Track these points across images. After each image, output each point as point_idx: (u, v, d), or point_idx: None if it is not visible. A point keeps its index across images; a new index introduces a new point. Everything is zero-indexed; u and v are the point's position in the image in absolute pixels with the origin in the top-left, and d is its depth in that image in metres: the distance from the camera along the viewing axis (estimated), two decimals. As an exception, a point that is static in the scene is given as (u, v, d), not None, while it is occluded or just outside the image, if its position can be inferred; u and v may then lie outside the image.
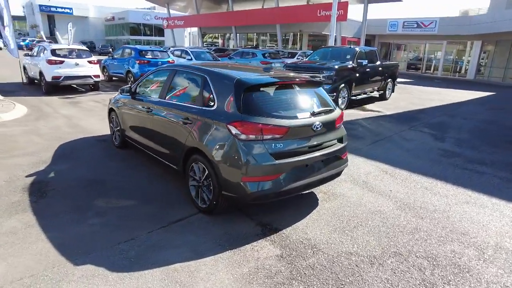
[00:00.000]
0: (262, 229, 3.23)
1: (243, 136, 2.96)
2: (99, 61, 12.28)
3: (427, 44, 29.46)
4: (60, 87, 11.07)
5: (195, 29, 43.80)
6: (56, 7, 52.87)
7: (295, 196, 3.91)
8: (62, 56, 10.74)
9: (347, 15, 20.16)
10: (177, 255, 2.78)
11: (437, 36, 26.46)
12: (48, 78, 10.36)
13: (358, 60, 10.03)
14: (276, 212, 3.58)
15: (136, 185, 4.16)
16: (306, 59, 11.93)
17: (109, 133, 5.85)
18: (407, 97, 13.22)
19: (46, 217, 3.30)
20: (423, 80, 22.32)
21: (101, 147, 5.60)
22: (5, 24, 12.44)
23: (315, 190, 4.15)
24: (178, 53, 16.62)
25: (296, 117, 3.18)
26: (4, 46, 15.57)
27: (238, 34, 34.35)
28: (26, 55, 12.43)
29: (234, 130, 2.99)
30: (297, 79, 3.59)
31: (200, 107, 3.45)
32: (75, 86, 11.92)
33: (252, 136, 2.97)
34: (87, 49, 11.83)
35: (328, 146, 3.53)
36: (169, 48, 17.88)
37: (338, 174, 3.76)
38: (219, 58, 16.75)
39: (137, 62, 12.31)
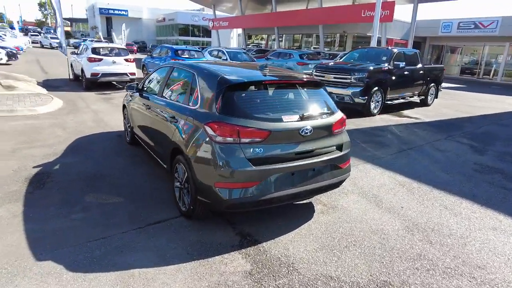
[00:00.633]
0: (240, 240, 2.99)
1: (218, 138, 2.75)
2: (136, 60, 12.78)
3: (486, 46, 26.82)
4: (99, 84, 11.67)
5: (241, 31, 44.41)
6: (114, 10, 56.69)
7: (289, 205, 3.62)
8: (101, 54, 11.33)
9: (393, 16, 19.01)
10: (140, 260, 2.64)
11: (499, 37, 23.94)
12: (88, 74, 10.97)
13: (395, 62, 9.29)
14: (263, 221, 3.31)
15: (132, 182, 4.12)
16: (340, 60, 11.36)
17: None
18: (453, 104, 12.05)
19: (34, 209, 3.36)
20: (479, 86, 20.31)
21: (114, 143, 5.71)
22: (57, 25, 13.48)
23: (314, 201, 3.81)
24: (215, 53, 16.85)
25: (281, 120, 2.89)
26: (58, 46, 16.87)
27: (284, 35, 34.10)
28: (72, 53, 13.31)
29: (210, 131, 2.78)
30: (291, 79, 3.29)
31: (186, 105, 3.30)
32: (114, 83, 12.51)
33: (229, 139, 2.74)
34: (125, 48, 12.37)
35: (322, 154, 3.17)
36: (205, 48, 18.20)
37: (335, 185, 3.38)
38: (255, 59, 16.63)
39: (172, 61, 12.61)
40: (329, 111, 3.30)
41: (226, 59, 15.37)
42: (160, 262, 2.63)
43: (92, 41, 29.13)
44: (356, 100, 8.70)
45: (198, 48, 16.79)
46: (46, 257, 2.61)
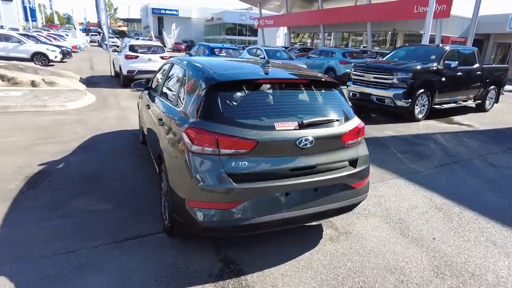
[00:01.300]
0: (221, 269, 2.52)
1: (194, 148, 2.29)
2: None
3: None
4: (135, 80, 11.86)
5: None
6: (165, 10, 59.02)
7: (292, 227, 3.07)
8: (138, 52, 11.50)
9: (450, 11, 17.18)
10: (100, 284, 2.29)
11: None
12: (124, 71, 11.19)
13: (446, 62, 8.16)
14: (256, 246, 2.81)
15: (128, 187, 3.84)
16: (383, 59, 10.36)
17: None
18: (518, 110, 10.44)
19: (17, 211, 3.18)
20: (552, 90, 17.67)
21: (127, 142, 5.54)
22: (102, 24, 14.03)
23: (324, 224, 3.21)
24: (254, 51, 16.51)
25: (272, 128, 2.36)
26: (100, 42, 17.70)
27: (332, 34, 32.78)
28: (114, 50, 13.75)
29: (186, 139, 2.34)
30: (293, 78, 2.74)
31: (173, 107, 2.90)
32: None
33: (207, 149, 2.28)
34: (161, 45, 12.47)
35: (328, 170, 2.58)
36: (243, 47, 17.94)
37: (345, 209, 2.77)
38: (294, 58, 15.99)
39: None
40: (340, 118, 2.69)
41: (264, 57, 14.96)
42: (120, 289, 2.25)
43: (138, 38, 30.24)
44: (398, 103, 7.77)
45: (241, 46, 16.54)
46: (2, 271, 2.36)
